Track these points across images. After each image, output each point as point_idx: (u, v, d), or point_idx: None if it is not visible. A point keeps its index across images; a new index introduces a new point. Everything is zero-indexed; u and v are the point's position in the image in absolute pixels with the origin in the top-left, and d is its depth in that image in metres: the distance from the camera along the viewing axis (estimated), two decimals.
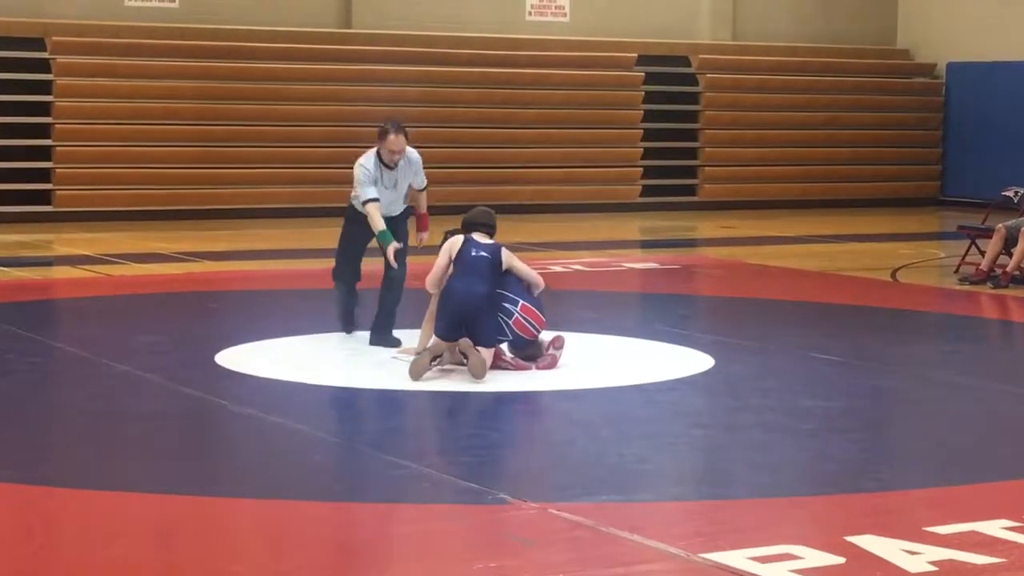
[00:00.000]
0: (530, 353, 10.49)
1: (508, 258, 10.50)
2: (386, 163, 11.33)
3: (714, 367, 10.62)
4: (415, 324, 10.77)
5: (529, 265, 10.81)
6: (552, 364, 10.47)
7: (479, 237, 10.53)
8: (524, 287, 10.53)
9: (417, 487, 7.44)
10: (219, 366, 10.43)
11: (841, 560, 6.12)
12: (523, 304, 10.40)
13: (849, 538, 6.39)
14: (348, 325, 11.69)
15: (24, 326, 12.22)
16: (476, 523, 6.79)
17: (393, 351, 10.91)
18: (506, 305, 10.36)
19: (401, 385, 9.85)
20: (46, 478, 7.50)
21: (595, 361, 10.88)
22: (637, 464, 7.94)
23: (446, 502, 7.14)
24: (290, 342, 11.60)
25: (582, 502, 6.98)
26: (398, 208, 11.50)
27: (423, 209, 11.80)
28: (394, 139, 11.25)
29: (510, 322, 10.33)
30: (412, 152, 11.47)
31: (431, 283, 10.47)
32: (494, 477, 7.67)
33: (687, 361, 10.83)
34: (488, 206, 10.97)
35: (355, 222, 11.47)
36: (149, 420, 8.89)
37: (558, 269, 16.11)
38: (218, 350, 10.88)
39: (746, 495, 7.35)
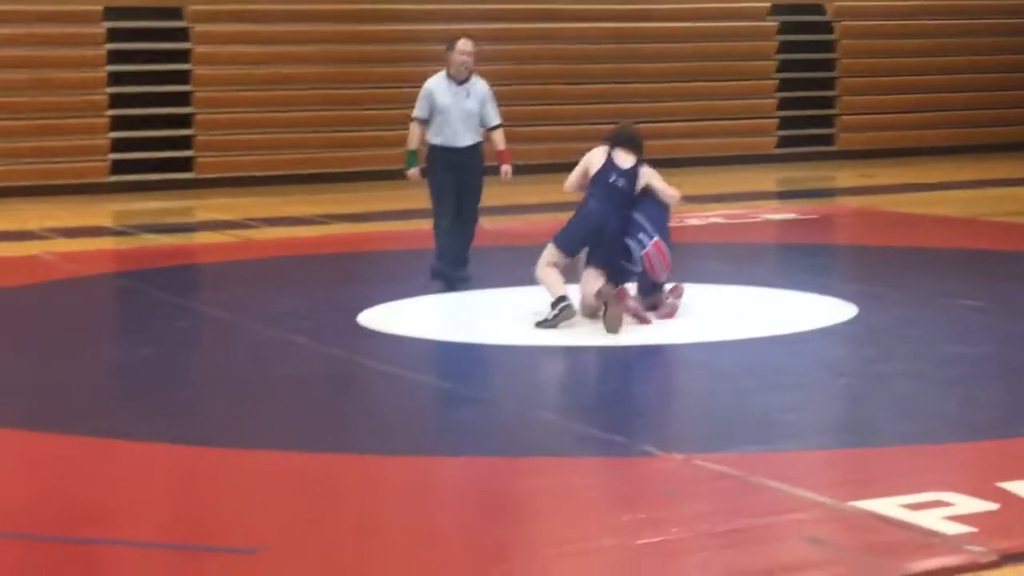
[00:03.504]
0: (651, 302, 10.48)
1: (647, 177, 10.60)
2: (456, 78, 11.98)
3: (857, 316, 10.53)
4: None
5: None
6: (671, 313, 10.45)
7: (622, 157, 10.56)
8: (664, 215, 10.57)
9: (562, 441, 7.47)
10: (362, 326, 10.53)
11: (994, 506, 6.05)
12: (657, 240, 10.40)
13: (1001, 484, 6.32)
14: (440, 276, 12.04)
15: (170, 291, 12.43)
16: (622, 476, 6.82)
17: (533, 309, 10.87)
18: (640, 236, 10.39)
19: (541, 341, 9.88)
20: (198, 438, 7.63)
21: (736, 312, 10.84)
22: (781, 414, 7.90)
23: (591, 455, 7.17)
24: (431, 301, 11.67)
25: (727, 452, 6.97)
26: (467, 138, 12.03)
27: (501, 147, 12.23)
28: (463, 42, 12.01)
29: (641, 253, 10.35)
30: (480, 81, 12.19)
31: (567, 187, 10.78)
32: (638, 429, 7.68)
33: (829, 311, 10.74)
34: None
35: (436, 164, 12.05)
36: (295, 381, 9.00)
37: (695, 222, 16.04)
38: (360, 310, 10.98)
39: (894, 443, 7.28)
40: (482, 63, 22.46)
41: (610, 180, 10.46)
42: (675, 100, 24.00)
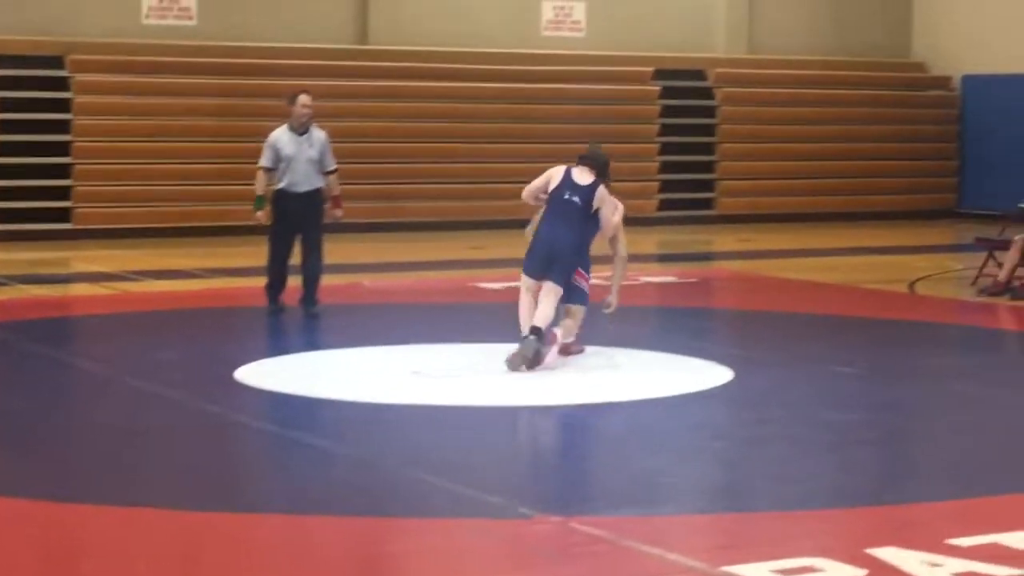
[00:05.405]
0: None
1: (602, 198, 10.94)
2: (297, 130, 13.16)
3: (733, 380, 10.61)
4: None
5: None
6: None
7: (580, 174, 10.88)
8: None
9: (438, 502, 7.43)
10: (238, 382, 10.44)
11: (863, 572, 6.11)
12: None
13: (871, 551, 6.38)
14: (273, 303, 13.48)
15: (44, 343, 12.25)
16: (498, 537, 6.79)
17: (413, 368, 10.87)
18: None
19: (420, 400, 9.86)
20: (67, 495, 7.51)
21: (613, 374, 10.88)
22: (658, 477, 7.93)
23: (467, 516, 7.14)
24: (308, 357, 11.61)
25: (604, 515, 6.98)
26: (310, 182, 13.26)
27: (335, 191, 13.55)
28: (303, 96, 13.17)
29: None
30: (319, 130, 13.36)
31: (524, 195, 11.20)
32: (515, 491, 7.65)
33: (707, 374, 10.82)
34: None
35: (278, 208, 13.32)
36: (169, 436, 8.91)
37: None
38: (237, 366, 10.89)
39: (768, 508, 7.34)
40: (366, 119, 22.59)
41: (564, 196, 10.84)
42: (557, 161, 24.06)
